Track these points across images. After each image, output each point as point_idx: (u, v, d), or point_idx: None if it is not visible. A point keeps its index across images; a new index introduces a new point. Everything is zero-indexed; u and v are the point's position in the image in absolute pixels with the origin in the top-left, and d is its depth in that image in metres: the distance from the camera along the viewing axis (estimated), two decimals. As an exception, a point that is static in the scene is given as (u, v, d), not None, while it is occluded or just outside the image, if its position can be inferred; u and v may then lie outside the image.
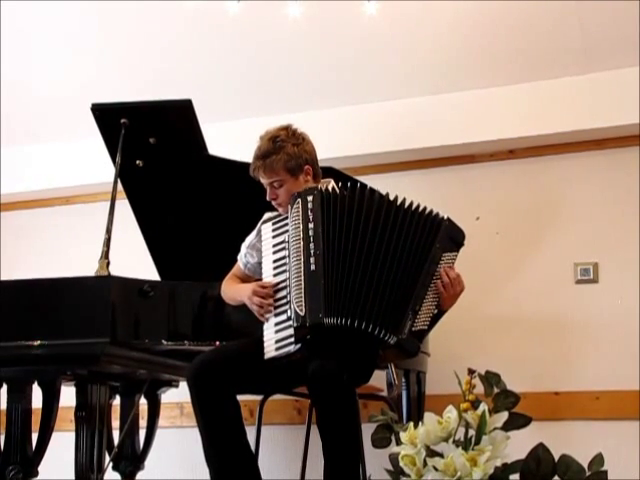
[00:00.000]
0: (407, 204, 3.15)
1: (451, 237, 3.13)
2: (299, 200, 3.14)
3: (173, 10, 4.54)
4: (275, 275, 3.16)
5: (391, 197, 3.15)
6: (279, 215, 3.28)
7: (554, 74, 4.57)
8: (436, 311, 3.08)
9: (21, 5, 4.65)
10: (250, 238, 3.43)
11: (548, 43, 4.46)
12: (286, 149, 3.27)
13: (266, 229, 3.27)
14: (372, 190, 3.17)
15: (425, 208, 3.16)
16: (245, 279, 3.40)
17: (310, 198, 3.12)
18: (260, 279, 3.23)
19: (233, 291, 3.38)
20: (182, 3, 4.40)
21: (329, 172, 3.97)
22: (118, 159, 3.91)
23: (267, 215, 3.34)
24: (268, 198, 3.32)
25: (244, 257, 3.44)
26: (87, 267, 3.64)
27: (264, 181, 3.31)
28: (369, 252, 3.04)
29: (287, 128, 3.35)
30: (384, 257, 3.04)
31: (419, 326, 3.01)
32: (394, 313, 3.00)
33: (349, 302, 2.99)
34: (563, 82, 4.57)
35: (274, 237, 3.22)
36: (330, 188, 3.22)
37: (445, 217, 3.16)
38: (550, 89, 4.60)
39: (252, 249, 3.41)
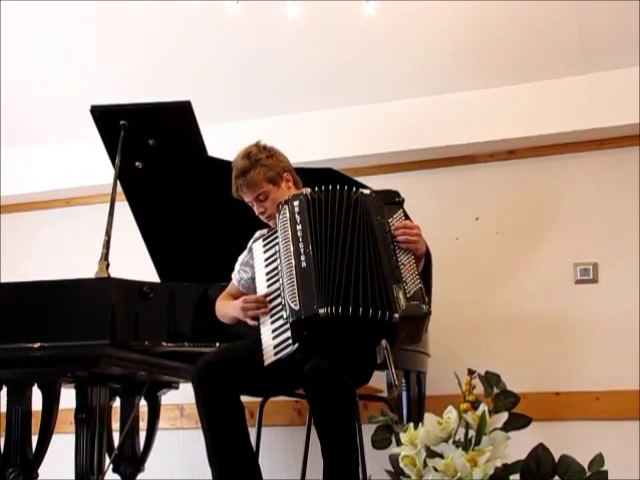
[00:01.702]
0: (345, 193, 3.21)
1: (386, 202, 3.20)
2: (286, 206, 3.22)
3: (173, 11, 4.54)
4: (269, 286, 3.20)
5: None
6: (269, 230, 3.35)
7: (554, 74, 4.57)
8: (416, 265, 3.09)
9: (21, 6, 4.66)
10: (242, 256, 3.50)
11: (548, 43, 4.46)
12: (262, 161, 3.37)
13: (257, 246, 3.35)
14: (335, 187, 3.23)
15: (351, 192, 3.21)
16: (239, 297, 3.40)
17: (296, 203, 3.20)
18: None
19: (224, 307, 3.42)
20: (182, 4, 4.40)
21: (329, 173, 3.98)
22: (117, 161, 3.92)
23: (258, 233, 3.41)
24: (257, 213, 3.40)
25: (237, 274, 3.49)
26: (87, 269, 3.64)
27: (249, 198, 3.40)
28: (344, 244, 3.10)
29: (257, 144, 3.45)
30: (350, 245, 3.10)
31: (413, 289, 3.02)
32: (380, 293, 3.01)
33: (339, 291, 3.02)
34: (563, 82, 4.57)
35: (265, 252, 3.29)
36: (312, 192, 3.25)
37: (368, 191, 3.23)
38: (550, 89, 4.60)
39: (245, 266, 3.46)
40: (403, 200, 3.21)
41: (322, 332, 3.05)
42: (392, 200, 3.21)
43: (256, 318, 3.20)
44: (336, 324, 3.03)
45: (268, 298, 3.18)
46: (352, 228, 3.13)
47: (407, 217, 3.21)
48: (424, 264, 3.25)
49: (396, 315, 2.98)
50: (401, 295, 3.00)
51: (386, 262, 3.07)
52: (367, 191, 3.23)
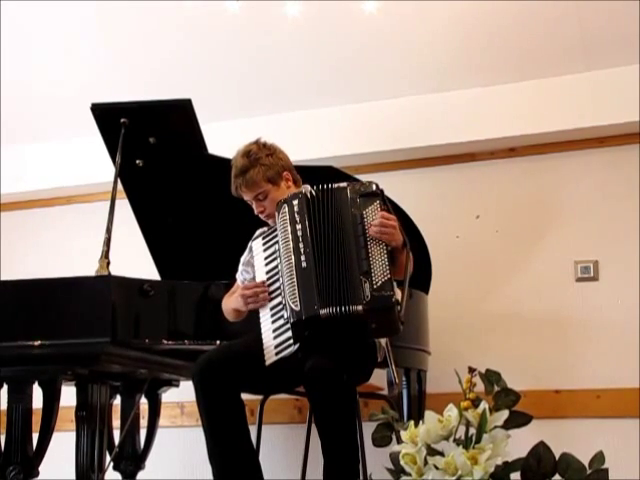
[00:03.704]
0: (329, 189, 3.20)
1: (362, 195, 3.16)
2: (285, 205, 3.21)
3: (172, 9, 4.54)
4: (269, 285, 3.21)
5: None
6: (269, 228, 3.34)
7: (554, 72, 4.57)
8: (389, 256, 3.06)
9: (21, 5, 4.65)
10: (244, 256, 3.49)
11: (548, 41, 4.46)
12: (261, 160, 3.35)
13: (257, 244, 3.34)
14: (328, 186, 3.22)
15: (330, 189, 3.19)
16: None
17: (296, 202, 3.18)
18: None
19: (227, 303, 3.42)
20: (181, 3, 4.40)
21: (329, 171, 3.98)
22: (118, 159, 3.91)
23: (258, 232, 3.40)
24: (256, 212, 3.39)
25: (240, 275, 3.50)
26: (87, 267, 3.64)
27: (248, 197, 3.39)
28: (337, 242, 3.11)
29: (257, 142, 3.43)
30: (335, 243, 3.11)
31: (380, 280, 3.01)
32: (346, 286, 3.02)
33: (336, 291, 3.03)
34: (563, 80, 4.57)
35: (265, 250, 3.28)
36: (312, 191, 3.23)
37: (344, 185, 3.19)
38: (550, 87, 4.60)
39: (247, 266, 3.46)
40: (380, 191, 3.17)
41: (323, 333, 3.05)
42: (367, 191, 3.17)
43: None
44: (337, 325, 3.04)
45: (269, 297, 3.19)
46: (328, 223, 3.13)
47: (388, 208, 3.16)
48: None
49: (359, 307, 2.99)
50: (367, 287, 3.00)
51: (354, 254, 3.06)
52: (343, 184, 3.20)
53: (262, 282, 3.22)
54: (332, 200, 3.17)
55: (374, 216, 3.10)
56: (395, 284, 3.05)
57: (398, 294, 3.04)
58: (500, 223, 4.73)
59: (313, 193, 3.20)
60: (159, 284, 3.81)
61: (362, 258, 3.05)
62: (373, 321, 3.03)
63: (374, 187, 3.17)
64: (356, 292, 3.00)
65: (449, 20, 4.45)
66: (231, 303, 3.36)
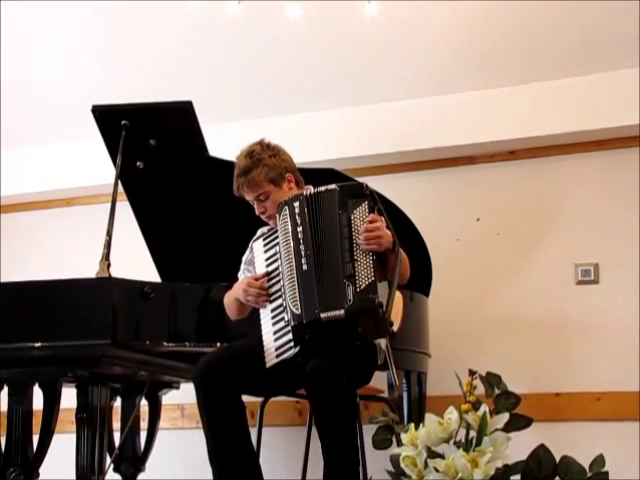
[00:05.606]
0: (321, 192, 3.20)
1: (350, 197, 3.15)
2: (286, 207, 3.21)
3: (173, 11, 4.54)
4: (269, 287, 3.22)
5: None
6: (270, 229, 3.34)
7: (554, 75, 4.58)
8: (374, 260, 3.05)
9: (21, 6, 4.65)
10: (245, 255, 3.50)
11: (548, 44, 4.46)
12: (264, 161, 3.34)
13: (257, 246, 3.35)
14: (319, 189, 3.22)
15: (321, 191, 3.19)
16: None
17: (297, 204, 3.18)
18: None
19: (229, 294, 3.42)
20: (182, 4, 4.40)
21: (330, 174, 3.98)
22: (119, 161, 3.91)
23: (259, 232, 3.41)
24: (257, 213, 3.39)
25: (242, 273, 3.50)
26: (88, 269, 3.64)
27: (250, 197, 3.38)
28: (328, 245, 3.11)
29: (261, 142, 3.42)
30: (326, 246, 3.12)
31: (364, 283, 3.00)
32: (330, 290, 3.03)
33: (327, 294, 3.04)
34: (563, 83, 4.57)
35: (266, 251, 3.29)
36: (310, 193, 3.23)
37: (334, 187, 3.18)
38: (550, 90, 4.60)
39: (249, 264, 3.46)
40: (370, 192, 3.15)
41: (323, 336, 3.05)
42: (356, 193, 3.16)
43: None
44: (337, 328, 3.04)
45: (270, 298, 3.21)
46: (321, 226, 3.13)
47: (379, 209, 3.15)
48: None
49: (341, 311, 2.99)
50: (350, 290, 3.00)
51: (340, 257, 3.06)
52: (332, 186, 3.19)
53: (266, 272, 3.23)
54: (323, 202, 3.16)
55: (362, 218, 3.09)
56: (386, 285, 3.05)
57: (385, 296, 3.02)
58: (500, 226, 4.73)
59: (314, 196, 3.20)
60: (160, 286, 3.82)
61: (346, 261, 3.05)
62: (358, 324, 3.03)
63: (363, 188, 3.16)
64: (341, 295, 3.00)
65: (449, 23, 4.46)
66: (233, 293, 3.36)
